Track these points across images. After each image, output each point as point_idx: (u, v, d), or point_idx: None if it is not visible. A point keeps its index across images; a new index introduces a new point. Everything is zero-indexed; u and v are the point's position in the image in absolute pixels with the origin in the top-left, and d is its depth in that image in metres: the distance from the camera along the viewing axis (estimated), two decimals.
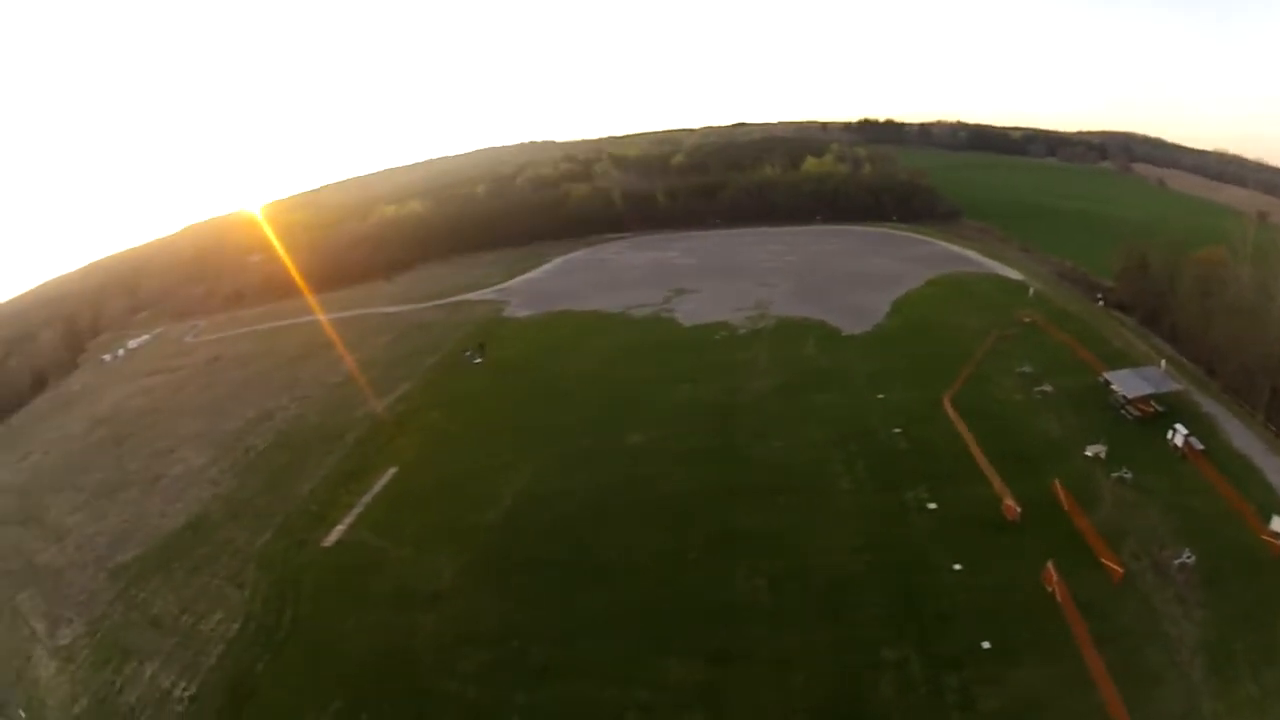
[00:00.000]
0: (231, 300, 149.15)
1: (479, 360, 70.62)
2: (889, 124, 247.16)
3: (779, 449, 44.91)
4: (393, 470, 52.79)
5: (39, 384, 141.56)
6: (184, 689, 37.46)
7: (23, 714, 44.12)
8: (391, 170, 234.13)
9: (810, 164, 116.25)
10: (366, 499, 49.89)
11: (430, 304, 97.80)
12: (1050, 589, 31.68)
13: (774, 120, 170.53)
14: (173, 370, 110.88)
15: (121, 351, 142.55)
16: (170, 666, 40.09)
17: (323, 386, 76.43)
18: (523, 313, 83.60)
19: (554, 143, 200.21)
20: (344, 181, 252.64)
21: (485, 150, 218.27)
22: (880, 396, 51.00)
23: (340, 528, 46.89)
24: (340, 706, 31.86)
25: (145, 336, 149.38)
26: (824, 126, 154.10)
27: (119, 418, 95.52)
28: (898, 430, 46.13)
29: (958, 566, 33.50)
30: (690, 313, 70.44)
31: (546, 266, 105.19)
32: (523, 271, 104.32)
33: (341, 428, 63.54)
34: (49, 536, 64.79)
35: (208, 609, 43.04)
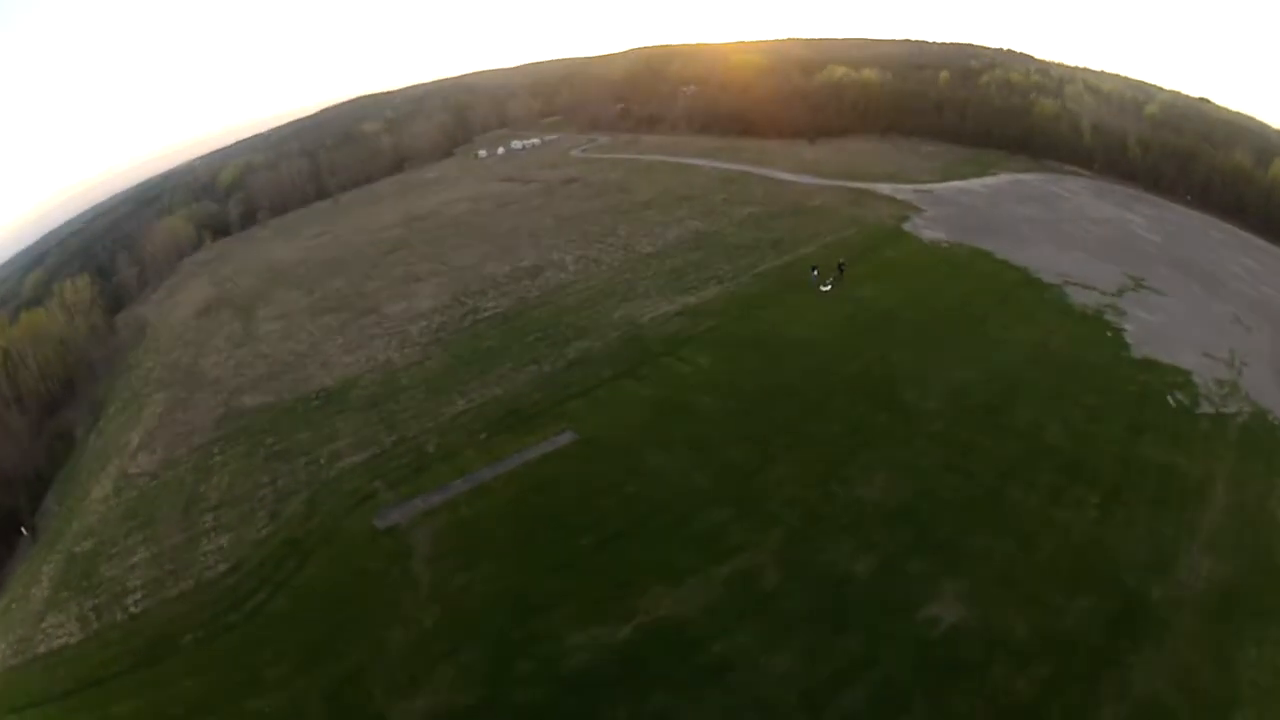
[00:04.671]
0: (644, 124, 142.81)
1: (827, 288, 49.50)
2: None
3: None
4: (565, 437, 35.26)
5: (397, 166, 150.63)
6: (135, 603, 32.71)
7: (24, 532, 46.07)
8: (864, 40, 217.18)
9: (1279, 168, 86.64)
10: (490, 474, 33.61)
11: (832, 182, 78.71)
12: None
13: (1238, 109, 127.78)
14: (524, 182, 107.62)
15: (501, 150, 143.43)
16: (148, 569, 34.77)
17: (627, 254, 61.66)
18: (930, 233, 60.29)
19: (1030, 56, 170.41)
20: (812, 40, 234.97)
21: (960, 44, 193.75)
22: None
23: (417, 504, 32.94)
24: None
25: (535, 140, 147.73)
26: None
27: (424, 221, 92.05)
28: None
29: None
30: (1146, 330, 42.55)
31: (988, 180, 79.36)
32: (959, 176, 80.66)
33: (584, 328, 47.32)
34: (234, 341, 64.29)
35: (228, 524, 36.20)
